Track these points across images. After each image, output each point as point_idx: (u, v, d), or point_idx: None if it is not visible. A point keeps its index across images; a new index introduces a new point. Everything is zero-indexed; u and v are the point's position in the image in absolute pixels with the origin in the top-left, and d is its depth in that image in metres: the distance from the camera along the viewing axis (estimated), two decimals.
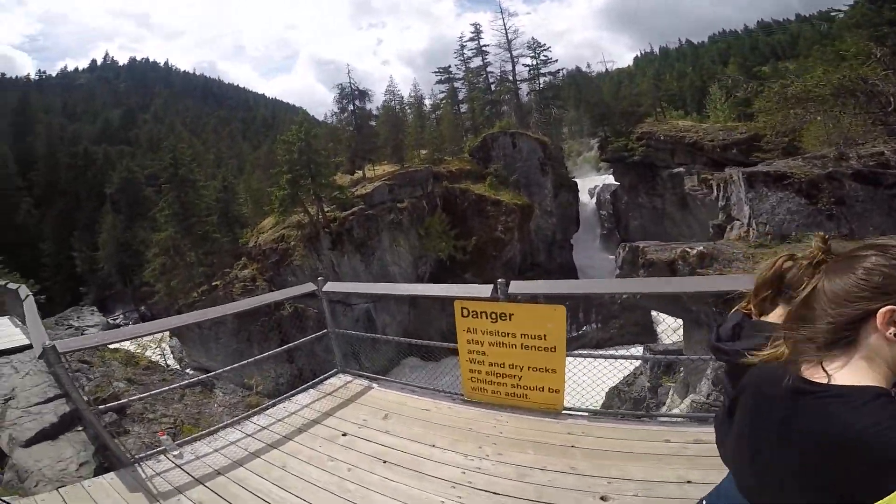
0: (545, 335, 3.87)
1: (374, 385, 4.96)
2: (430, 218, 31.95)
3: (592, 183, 49.37)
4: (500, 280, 4.01)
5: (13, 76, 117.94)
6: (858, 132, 12.41)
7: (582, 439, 3.46)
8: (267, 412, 4.49)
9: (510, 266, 32.82)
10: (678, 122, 38.82)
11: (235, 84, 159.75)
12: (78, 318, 37.73)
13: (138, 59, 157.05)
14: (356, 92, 39.66)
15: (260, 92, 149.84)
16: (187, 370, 21.65)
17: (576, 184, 41.06)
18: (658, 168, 34.92)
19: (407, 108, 49.97)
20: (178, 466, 3.56)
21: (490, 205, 33.38)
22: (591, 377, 4.50)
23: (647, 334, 28.14)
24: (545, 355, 3.91)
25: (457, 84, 51.53)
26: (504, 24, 46.24)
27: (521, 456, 3.34)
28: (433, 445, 3.61)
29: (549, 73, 46.56)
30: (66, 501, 3.14)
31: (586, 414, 4.06)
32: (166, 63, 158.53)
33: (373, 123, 40.20)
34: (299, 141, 28.25)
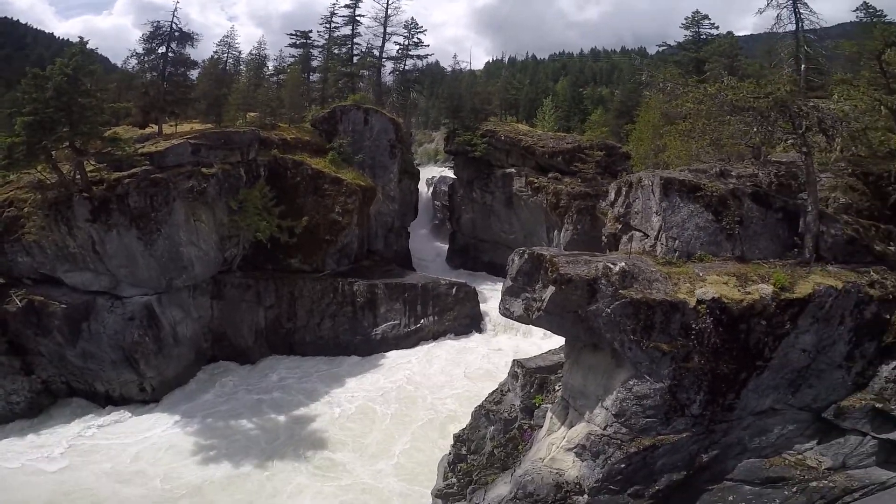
0: None
1: None
2: (247, 189, 26.82)
3: (430, 174, 50.04)
4: None
5: None
6: (736, 151, 12.65)
7: None
8: None
9: (346, 253, 30.15)
10: (517, 125, 40.71)
11: (13, 18, 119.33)
12: None
13: None
14: (176, 33, 30.88)
15: (49, 31, 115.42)
16: None
17: (419, 171, 40.37)
18: (493, 167, 36.12)
19: (242, 66, 43.18)
20: None
21: (329, 182, 29.83)
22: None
23: (476, 325, 29.79)
24: None
25: (314, 52, 46.36)
26: None
27: None
28: None
29: (418, 57, 45.00)
30: None
31: None
32: None
33: (190, 74, 32.48)
34: (60, 76, 20.73)
